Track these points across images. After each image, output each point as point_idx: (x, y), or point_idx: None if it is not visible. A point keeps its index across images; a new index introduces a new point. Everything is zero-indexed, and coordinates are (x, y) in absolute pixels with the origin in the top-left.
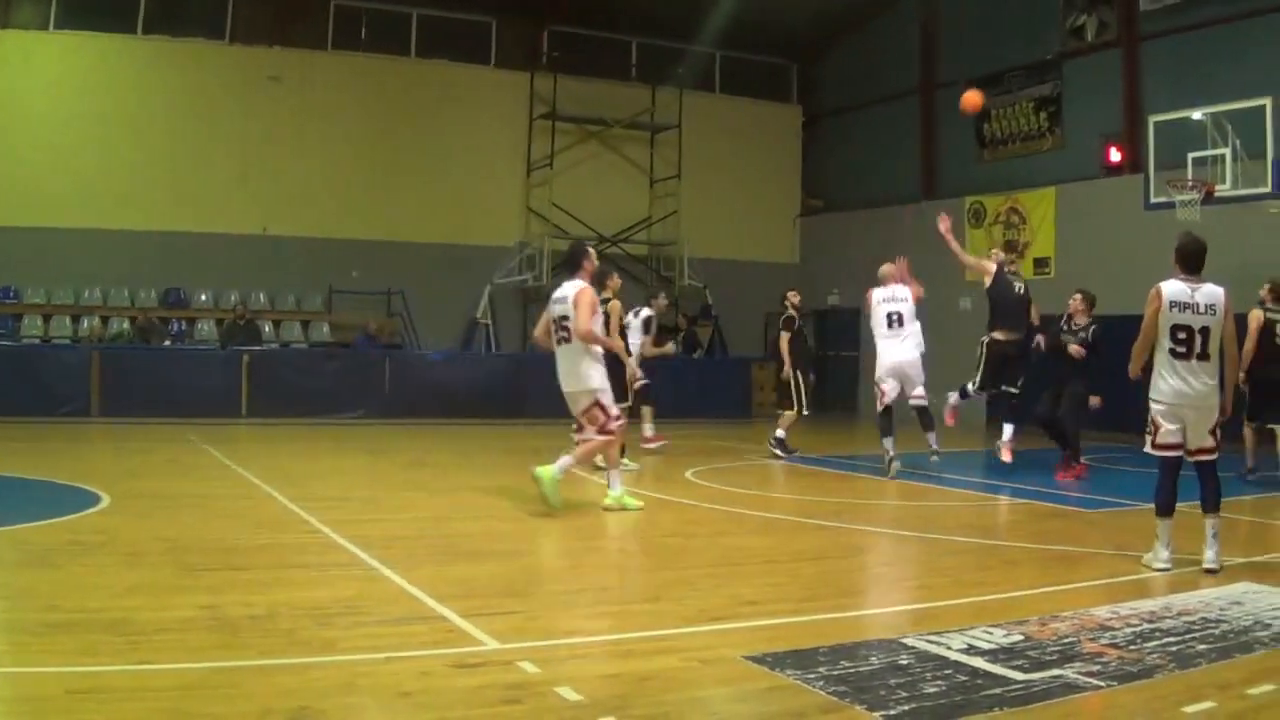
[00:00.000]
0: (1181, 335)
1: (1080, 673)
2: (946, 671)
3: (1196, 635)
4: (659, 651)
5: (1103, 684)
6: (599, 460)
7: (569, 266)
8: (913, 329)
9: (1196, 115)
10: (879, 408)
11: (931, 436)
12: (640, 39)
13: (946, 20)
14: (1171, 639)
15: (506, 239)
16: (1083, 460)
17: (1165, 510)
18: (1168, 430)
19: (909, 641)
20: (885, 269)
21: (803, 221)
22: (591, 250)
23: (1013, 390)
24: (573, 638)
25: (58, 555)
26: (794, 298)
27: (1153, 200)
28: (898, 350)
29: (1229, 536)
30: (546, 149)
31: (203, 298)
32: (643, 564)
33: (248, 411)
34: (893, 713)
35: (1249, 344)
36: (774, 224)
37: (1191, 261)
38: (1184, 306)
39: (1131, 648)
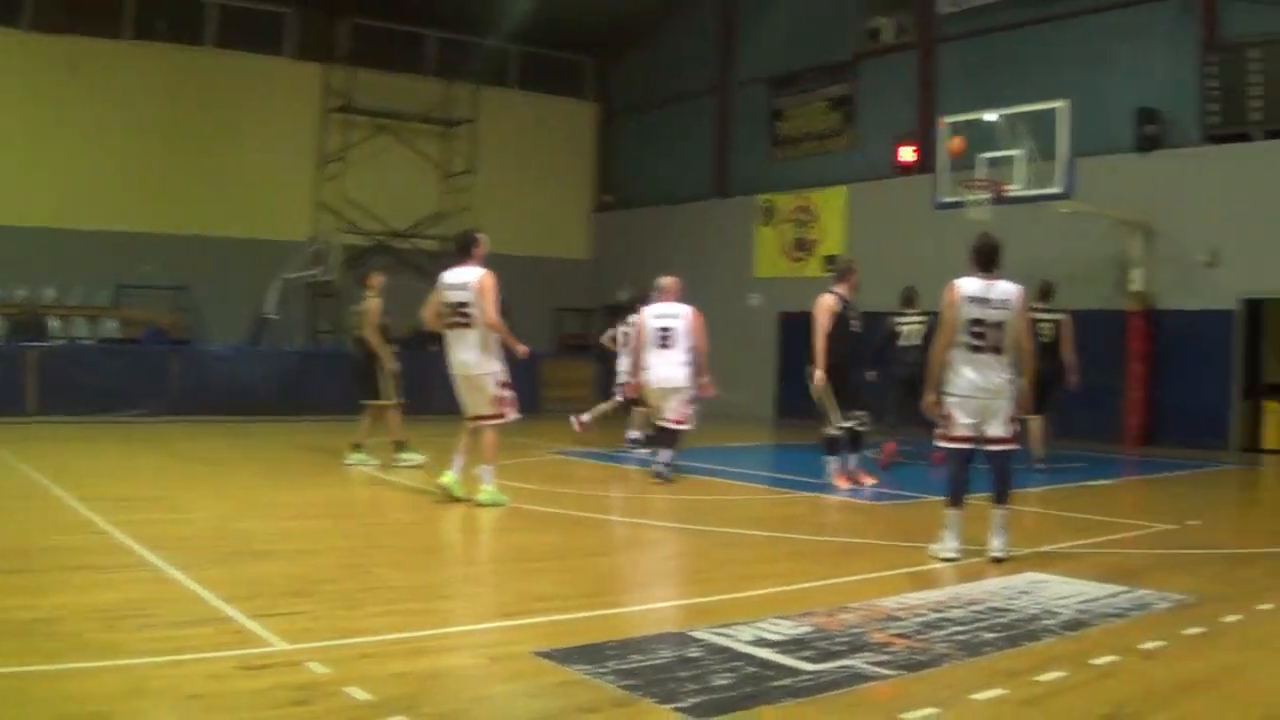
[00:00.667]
0: (977, 329)
1: (869, 662)
2: (736, 663)
3: (984, 624)
4: (449, 649)
5: (892, 673)
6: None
7: (460, 253)
8: (682, 349)
9: (990, 116)
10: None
11: (665, 454)
12: (437, 32)
13: (744, 20)
14: (959, 628)
15: (297, 233)
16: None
17: (956, 501)
18: (962, 423)
19: (698, 634)
20: (665, 281)
21: (596, 217)
22: (482, 237)
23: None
24: (361, 637)
25: None
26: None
27: (943, 200)
28: (664, 369)
29: (1015, 527)
30: (340, 142)
31: None
32: (431, 561)
33: (35, 409)
34: (684, 705)
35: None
36: (568, 220)
37: (986, 259)
38: (980, 301)
39: (920, 637)
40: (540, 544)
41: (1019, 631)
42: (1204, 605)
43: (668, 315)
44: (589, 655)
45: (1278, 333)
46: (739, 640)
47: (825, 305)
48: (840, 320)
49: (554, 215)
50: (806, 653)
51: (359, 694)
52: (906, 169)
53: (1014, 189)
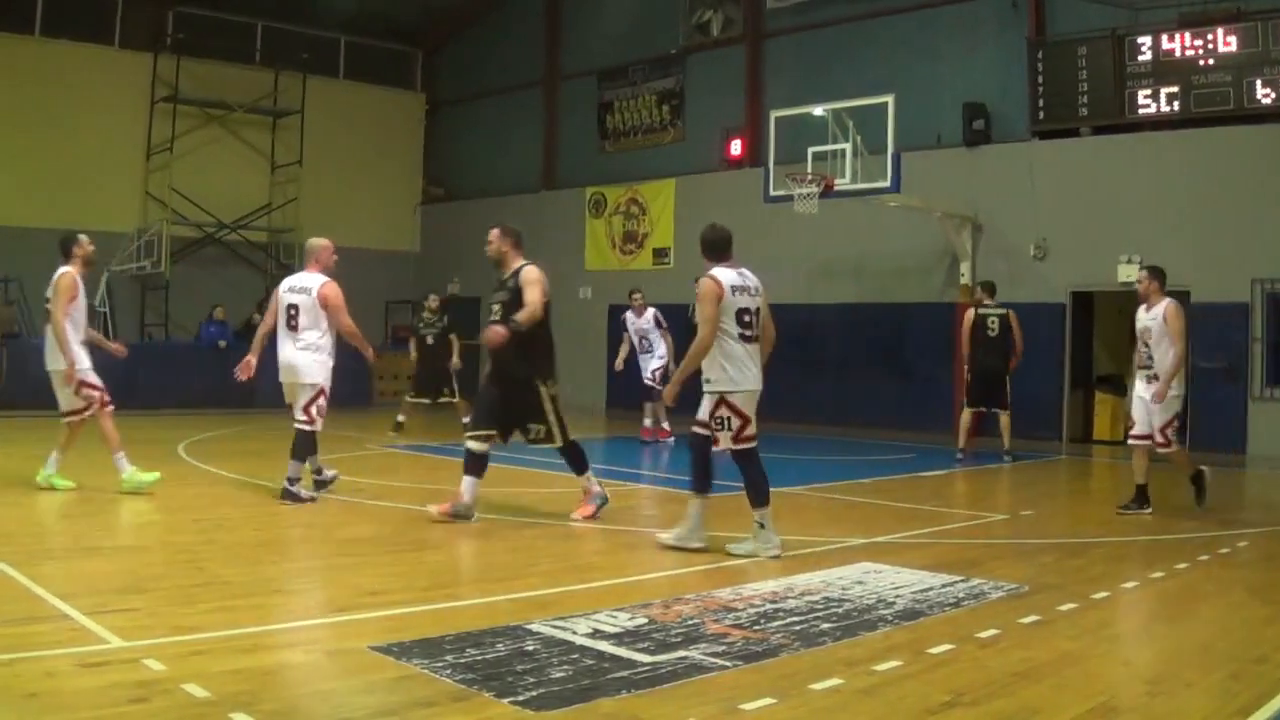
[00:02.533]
0: (747, 319)
1: (706, 654)
2: (573, 656)
3: (820, 614)
4: (285, 645)
5: (729, 664)
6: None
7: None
8: (313, 329)
9: (818, 111)
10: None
11: (292, 466)
12: (265, 22)
13: (571, 12)
14: (795, 619)
15: (124, 224)
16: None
17: (764, 500)
18: (750, 420)
19: (534, 627)
20: (315, 243)
21: (423, 210)
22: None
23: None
24: (197, 633)
25: None
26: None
27: (772, 193)
28: (288, 350)
29: (848, 516)
30: (167, 133)
31: None
32: (264, 557)
33: None
34: (521, 698)
35: (963, 338)
36: (395, 212)
37: (724, 248)
38: (742, 290)
39: (756, 628)
40: (373, 538)
41: (855, 621)
42: (1039, 594)
43: (299, 289)
44: (425, 650)
45: (1108, 325)
46: (576, 633)
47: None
48: None
49: (382, 207)
50: (643, 644)
51: (197, 691)
52: (735, 162)
53: (842, 183)
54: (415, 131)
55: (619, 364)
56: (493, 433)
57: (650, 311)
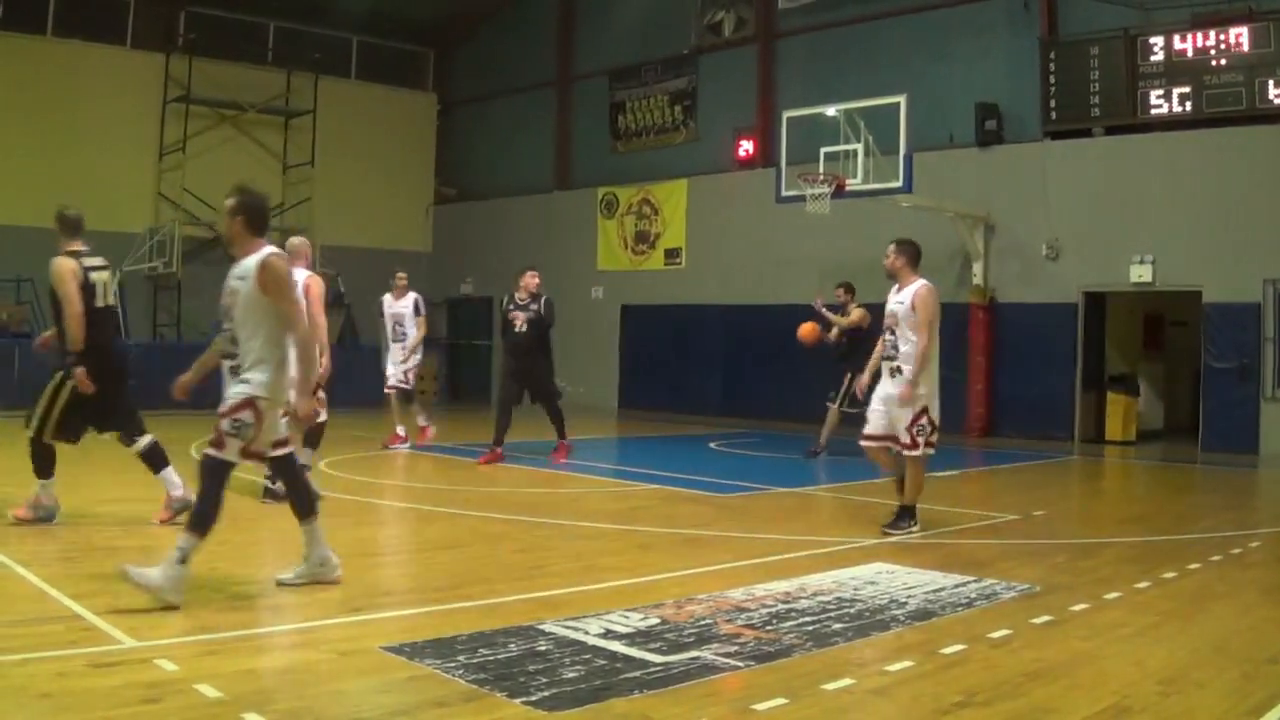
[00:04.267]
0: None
1: (718, 654)
2: (585, 656)
3: (832, 615)
4: (297, 645)
5: (741, 664)
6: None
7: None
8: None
9: (830, 111)
10: None
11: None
12: (277, 22)
13: (583, 12)
14: (808, 619)
15: (137, 225)
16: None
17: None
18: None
19: (546, 628)
20: (294, 242)
21: (436, 210)
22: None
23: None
24: (209, 633)
25: None
26: None
27: (784, 193)
28: None
29: (860, 516)
30: (180, 133)
31: None
32: (276, 557)
33: None
34: (534, 699)
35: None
36: (408, 212)
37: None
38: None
39: (768, 628)
40: (387, 538)
41: (867, 622)
42: (1051, 594)
43: None
44: (438, 650)
45: (1119, 325)
46: (588, 633)
47: None
48: None
49: (394, 207)
50: (656, 645)
51: (209, 691)
52: (747, 163)
53: (854, 183)
54: (428, 132)
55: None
56: None
57: (411, 296)
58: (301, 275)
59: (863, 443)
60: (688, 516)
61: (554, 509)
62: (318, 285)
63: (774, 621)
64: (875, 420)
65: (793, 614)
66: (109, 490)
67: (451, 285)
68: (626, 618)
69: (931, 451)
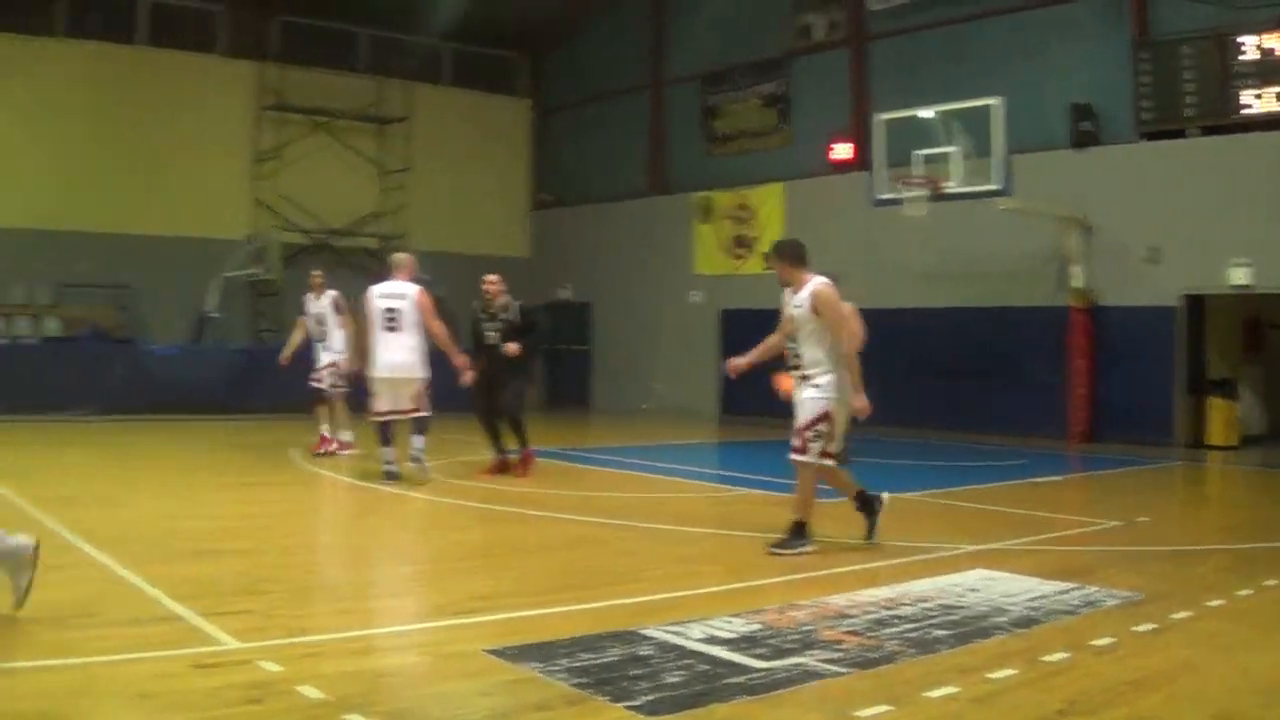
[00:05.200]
0: None
1: (820, 660)
2: (687, 661)
3: (935, 621)
4: (400, 647)
5: (844, 670)
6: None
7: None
8: (411, 332)
9: (925, 113)
10: (374, 417)
11: (420, 440)
12: (369, 30)
13: (676, 16)
14: (910, 625)
15: (235, 232)
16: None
17: None
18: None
19: (649, 632)
20: (399, 257)
21: (534, 216)
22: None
23: None
24: (312, 635)
25: None
26: None
27: (879, 196)
28: (396, 351)
29: (961, 522)
30: (275, 140)
31: None
32: (378, 559)
33: None
34: (636, 703)
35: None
36: (505, 218)
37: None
38: None
39: (870, 634)
40: (488, 541)
41: (970, 629)
42: (1153, 602)
43: (394, 295)
44: (540, 653)
45: (1219, 328)
46: (690, 638)
47: None
48: None
49: (491, 213)
50: (758, 650)
51: (311, 692)
52: (842, 166)
53: (950, 186)
54: (523, 137)
55: (285, 357)
56: None
57: (330, 294)
58: (411, 289)
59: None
60: (788, 521)
61: (654, 514)
62: (426, 297)
63: (876, 628)
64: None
65: (895, 620)
66: (210, 494)
67: (550, 290)
68: (729, 623)
69: (829, 462)
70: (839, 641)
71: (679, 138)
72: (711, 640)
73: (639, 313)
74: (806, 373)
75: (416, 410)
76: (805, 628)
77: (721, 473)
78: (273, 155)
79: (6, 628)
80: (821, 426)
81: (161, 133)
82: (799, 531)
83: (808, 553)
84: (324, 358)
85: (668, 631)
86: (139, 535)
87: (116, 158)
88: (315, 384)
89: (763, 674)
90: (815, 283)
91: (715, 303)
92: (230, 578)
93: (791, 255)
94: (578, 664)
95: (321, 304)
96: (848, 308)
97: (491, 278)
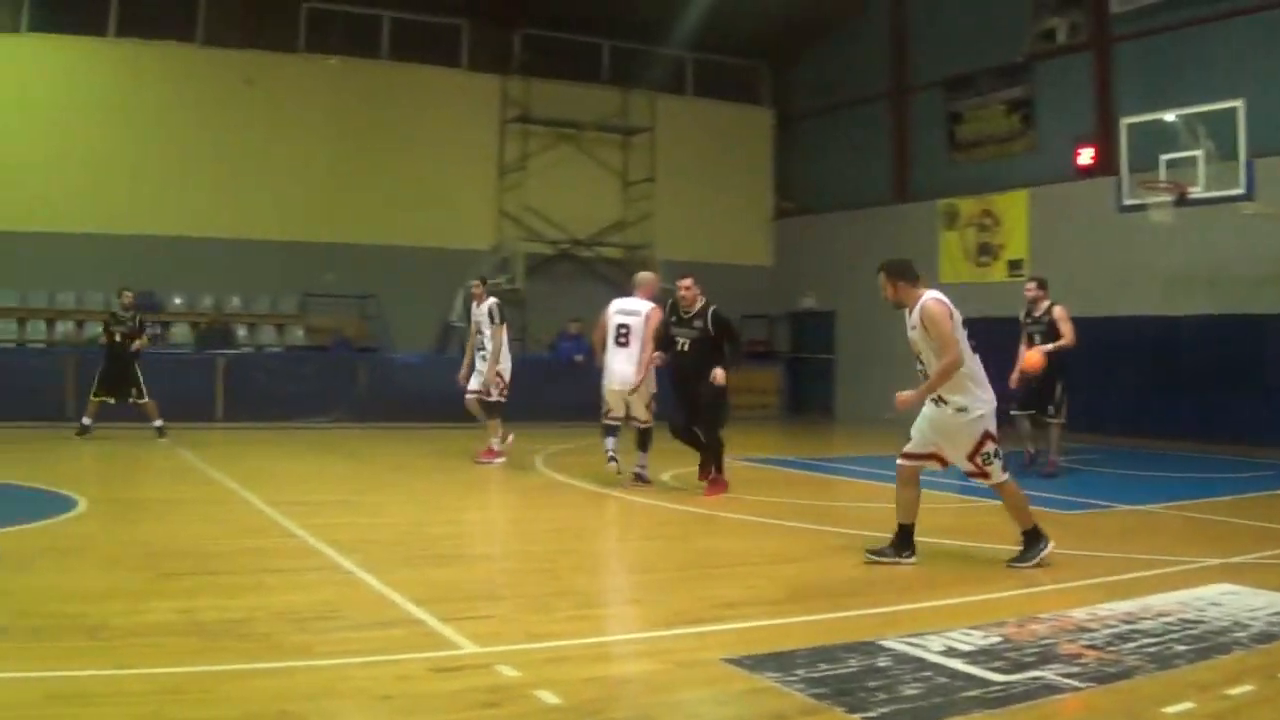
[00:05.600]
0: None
1: (1059, 674)
2: (926, 673)
3: (1175, 636)
4: (638, 654)
5: (1082, 685)
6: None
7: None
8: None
9: (1169, 117)
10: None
11: (643, 456)
12: (612, 41)
13: (917, 23)
14: (1150, 640)
15: (480, 242)
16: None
17: None
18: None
19: (887, 643)
20: (642, 276)
21: (776, 224)
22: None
23: None
24: (551, 641)
25: (34, 560)
26: None
27: (1126, 202)
28: (620, 364)
29: (1206, 535)
30: (519, 152)
31: (177, 301)
32: (619, 567)
33: (223, 415)
34: (873, 715)
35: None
36: (748, 227)
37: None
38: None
39: (1110, 649)
40: (728, 550)
41: (1210, 644)
42: None
43: (629, 312)
44: (778, 663)
45: None
46: (929, 650)
47: None
48: None
49: (734, 222)
50: (996, 663)
51: (549, 698)
52: (1086, 171)
53: (1196, 191)
54: (765, 146)
55: (463, 375)
56: None
57: (490, 302)
58: (645, 307)
59: (900, 461)
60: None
61: (893, 524)
62: (657, 315)
63: (1116, 642)
64: (918, 436)
65: (1135, 635)
66: (451, 500)
67: (793, 299)
68: (968, 635)
69: (1007, 476)
70: (1078, 656)
71: (922, 144)
72: (950, 652)
73: (882, 321)
74: (943, 395)
75: (642, 421)
76: (1044, 641)
77: (964, 484)
78: (517, 167)
79: (249, 629)
80: (988, 448)
81: (406, 145)
82: (1031, 539)
83: (1047, 555)
84: (484, 366)
85: (907, 643)
86: (381, 540)
87: (361, 170)
88: (484, 397)
89: (1000, 688)
90: (925, 298)
91: (961, 311)
92: (470, 583)
93: (899, 273)
94: (816, 674)
95: (480, 312)
96: (1059, 311)
97: (685, 282)
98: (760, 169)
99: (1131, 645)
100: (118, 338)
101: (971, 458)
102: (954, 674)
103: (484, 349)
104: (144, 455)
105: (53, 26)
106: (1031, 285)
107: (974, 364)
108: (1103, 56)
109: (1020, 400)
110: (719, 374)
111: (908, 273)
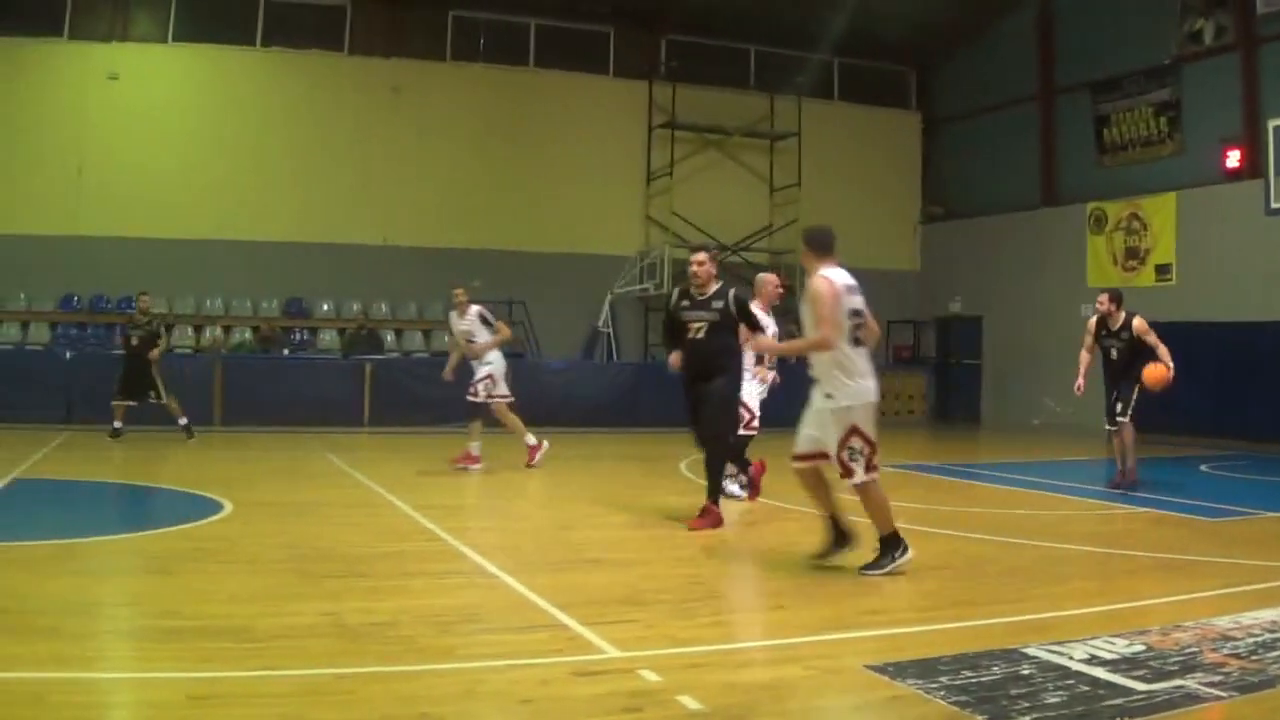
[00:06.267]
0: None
1: (1202, 683)
2: (1068, 682)
3: None
4: (780, 660)
5: (1225, 695)
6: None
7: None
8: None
9: None
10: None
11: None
12: (758, 47)
13: (1063, 25)
14: None
15: (626, 248)
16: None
17: None
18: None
19: (1031, 651)
20: (762, 277)
21: (923, 229)
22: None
23: None
24: (693, 646)
25: (179, 562)
26: None
27: (1274, 205)
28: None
29: None
30: (665, 158)
31: (325, 307)
32: (761, 572)
33: (369, 420)
34: None
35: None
36: (895, 231)
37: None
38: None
39: (1254, 658)
40: (872, 557)
41: None
42: None
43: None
44: (921, 670)
45: None
46: (1072, 658)
47: None
48: None
49: (881, 227)
50: (1139, 672)
51: (690, 703)
52: (1234, 174)
53: None
54: (912, 151)
55: (448, 373)
56: None
57: (474, 309)
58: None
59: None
60: (1175, 541)
61: (1038, 531)
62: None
63: (1260, 651)
64: (801, 434)
65: (1278, 644)
66: (598, 505)
67: (940, 304)
68: (1111, 643)
69: (874, 476)
70: (1221, 665)
71: (1069, 148)
72: (1093, 660)
73: (1029, 326)
74: (818, 380)
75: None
76: (1188, 650)
77: (1108, 490)
78: (664, 172)
79: (392, 632)
80: (854, 443)
81: (552, 152)
82: (888, 545)
83: (904, 564)
84: (480, 370)
85: (1050, 651)
86: (526, 544)
87: (507, 177)
88: (471, 398)
89: (1143, 696)
90: (818, 274)
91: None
92: (614, 588)
93: (809, 241)
94: (958, 681)
95: (467, 320)
96: (1139, 322)
97: (699, 256)
98: (907, 173)
99: (1275, 654)
100: (134, 341)
101: (839, 452)
102: (1096, 682)
103: (480, 357)
104: (291, 460)
105: (199, 37)
106: (1103, 299)
107: (852, 353)
108: (1249, 57)
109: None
110: (763, 372)
111: (815, 243)
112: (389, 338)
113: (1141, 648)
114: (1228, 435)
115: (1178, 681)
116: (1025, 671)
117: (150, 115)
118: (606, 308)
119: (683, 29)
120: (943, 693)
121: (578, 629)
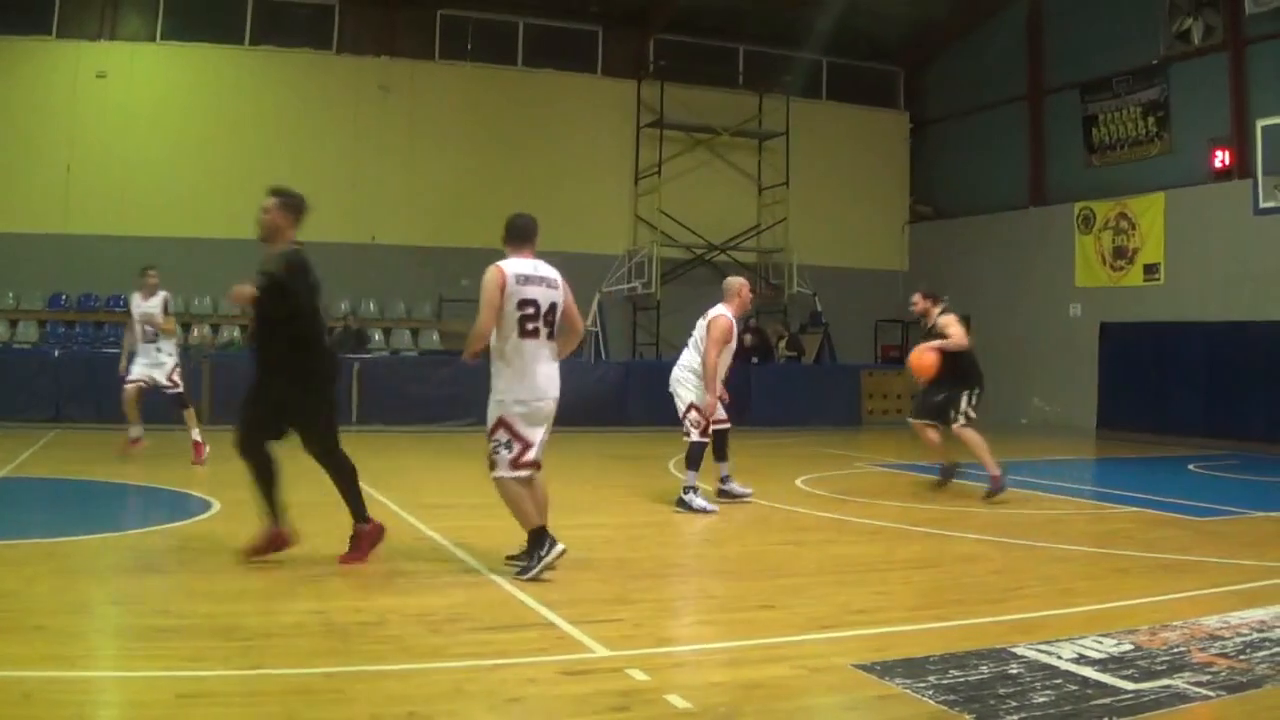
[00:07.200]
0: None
1: (1190, 682)
2: (1056, 681)
3: None
4: (768, 659)
5: (1212, 694)
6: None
7: None
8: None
9: None
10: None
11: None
12: (746, 46)
13: (1051, 25)
14: None
15: (615, 247)
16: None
17: None
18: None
19: (1018, 650)
20: (726, 281)
21: (912, 229)
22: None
23: None
24: (681, 645)
25: (168, 561)
26: None
27: (1262, 205)
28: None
29: None
30: (654, 157)
31: None
32: (750, 571)
33: (357, 419)
34: None
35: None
36: (883, 231)
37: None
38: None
39: (1241, 657)
40: (861, 556)
41: None
42: None
43: (703, 316)
44: (908, 669)
45: None
46: (1060, 658)
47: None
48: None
49: (869, 226)
50: (1128, 671)
51: (679, 702)
52: (1222, 174)
53: None
54: (900, 150)
55: (123, 367)
56: None
57: (161, 295)
58: (711, 314)
59: None
60: (1165, 540)
61: (1029, 530)
62: (720, 324)
63: (1248, 650)
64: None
65: (1267, 643)
66: (585, 505)
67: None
68: (1100, 643)
69: (523, 473)
70: (1209, 664)
71: (1057, 148)
72: (1081, 660)
73: (1017, 326)
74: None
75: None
76: (1176, 649)
77: (1100, 490)
78: (652, 172)
79: (381, 631)
80: (498, 435)
81: (540, 151)
82: (534, 541)
83: (552, 559)
84: (167, 361)
85: (1038, 650)
86: (514, 543)
87: (495, 176)
88: (170, 389)
89: (1131, 696)
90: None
91: (1095, 316)
92: (601, 586)
93: (506, 230)
94: (946, 681)
95: (152, 304)
96: (945, 318)
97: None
98: (895, 173)
99: (1263, 654)
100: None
101: (487, 440)
102: (1085, 681)
103: (156, 342)
104: (282, 459)
105: (188, 35)
106: (916, 298)
107: (517, 350)
108: (1238, 57)
109: (915, 407)
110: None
111: (508, 231)
112: (376, 336)
113: (1130, 647)
114: (1216, 435)
115: (1166, 681)
116: (1013, 671)
117: (139, 114)
118: (594, 307)
119: (671, 28)
120: (930, 692)
121: (566, 628)
